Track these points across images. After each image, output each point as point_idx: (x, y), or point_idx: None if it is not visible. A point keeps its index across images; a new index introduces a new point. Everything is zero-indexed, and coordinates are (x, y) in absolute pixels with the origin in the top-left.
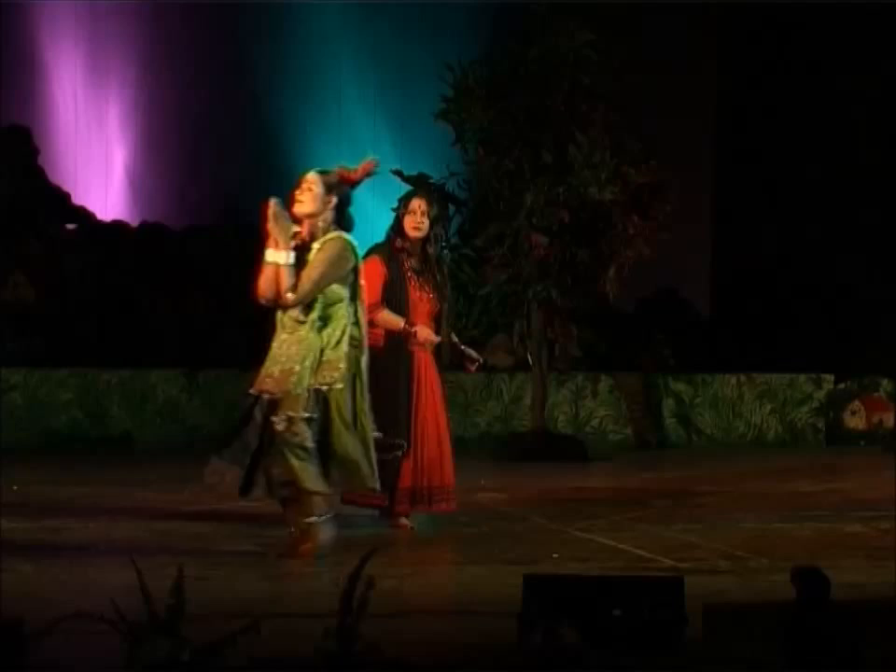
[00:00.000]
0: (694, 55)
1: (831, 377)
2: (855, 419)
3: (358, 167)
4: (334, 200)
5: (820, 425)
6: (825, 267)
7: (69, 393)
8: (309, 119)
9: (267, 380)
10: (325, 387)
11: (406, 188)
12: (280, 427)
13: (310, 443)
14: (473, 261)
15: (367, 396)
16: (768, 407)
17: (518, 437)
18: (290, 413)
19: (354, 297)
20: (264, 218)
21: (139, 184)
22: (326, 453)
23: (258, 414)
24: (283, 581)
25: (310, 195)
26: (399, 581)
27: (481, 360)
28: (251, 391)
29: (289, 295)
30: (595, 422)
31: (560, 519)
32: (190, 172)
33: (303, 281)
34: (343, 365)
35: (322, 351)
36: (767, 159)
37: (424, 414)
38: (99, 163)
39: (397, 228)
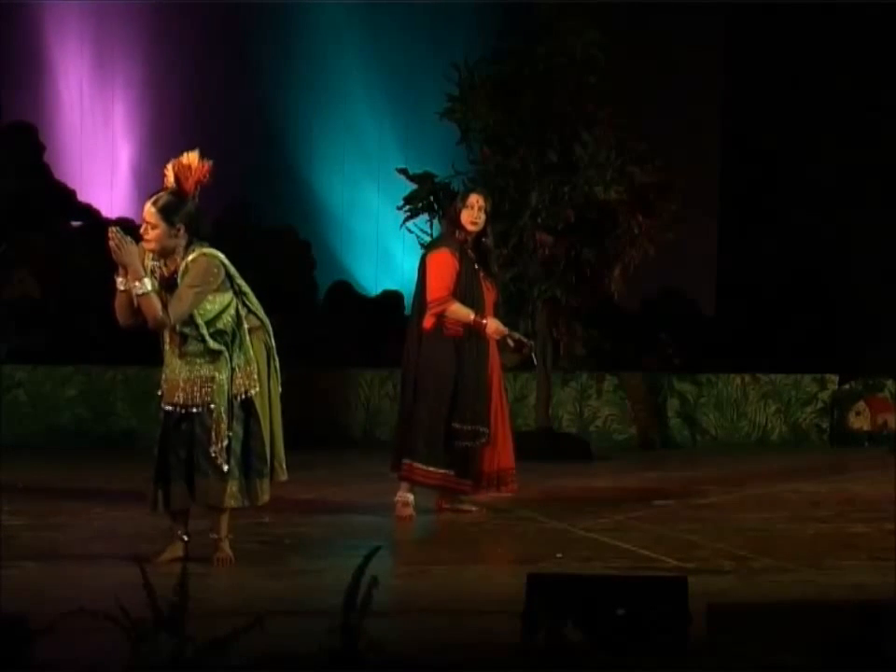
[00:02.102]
0: (698, 55)
1: (835, 378)
2: (860, 420)
3: (191, 173)
4: (182, 227)
5: (825, 425)
6: (829, 267)
7: (73, 390)
8: (314, 117)
9: (178, 392)
10: (243, 395)
11: (411, 186)
12: (202, 442)
13: (226, 464)
14: None
15: (280, 379)
16: (773, 407)
17: (522, 436)
18: (212, 428)
19: (238, 291)
20: (108, 250)
21: (144, 181)
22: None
23: (170, 428)
24: (286, 579)
25: (155, 233)
26: (403, 580)
27: (532, 343)
28: (163, 406)
29: (163, 321)
30: (599, 421)
31: (564, 518)
32: None
33: (174, 307)
34: (252, 366)
35: (231, 357)
36: (771, 159)
37: (496, 402)
38: (104, 161)
39: (455, 222)
